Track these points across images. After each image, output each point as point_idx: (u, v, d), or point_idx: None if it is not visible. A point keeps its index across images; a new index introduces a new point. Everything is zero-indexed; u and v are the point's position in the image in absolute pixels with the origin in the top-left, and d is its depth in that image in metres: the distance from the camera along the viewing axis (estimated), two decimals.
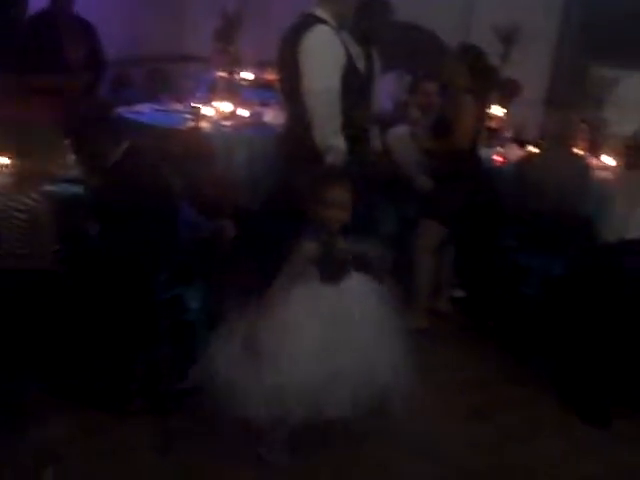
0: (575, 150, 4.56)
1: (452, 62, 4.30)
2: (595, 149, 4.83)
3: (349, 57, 3.66)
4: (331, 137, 3.57)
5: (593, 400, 3.55)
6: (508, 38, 6.06)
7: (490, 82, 4.32)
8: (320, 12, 3.62)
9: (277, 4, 6.24)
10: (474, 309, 4.61)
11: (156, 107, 5.34)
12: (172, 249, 3.22)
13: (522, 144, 5.12)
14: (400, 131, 4.64)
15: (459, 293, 4.76)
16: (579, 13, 6.06)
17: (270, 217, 3.84)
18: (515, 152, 4.98)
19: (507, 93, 4.41)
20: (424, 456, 3.11)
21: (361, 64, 3.87)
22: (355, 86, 3.70)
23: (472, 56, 4.26)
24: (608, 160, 4.75)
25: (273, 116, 5.08)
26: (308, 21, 3.60)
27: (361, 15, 3.86)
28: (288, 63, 3.64)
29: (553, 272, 4.02)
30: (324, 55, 3.55)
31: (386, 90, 5.27)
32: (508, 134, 5.38)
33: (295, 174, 3.60)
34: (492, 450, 3.23)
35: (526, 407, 3.61)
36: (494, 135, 5.12)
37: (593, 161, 4.78)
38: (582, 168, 4.38)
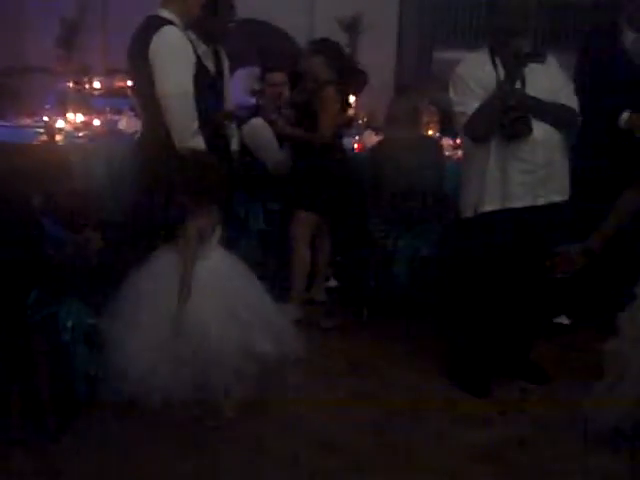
0: (426, 132, 4.73)
1: (311, 56, 4.36)
2: (448, 129, 5.01)
3: (197, 56, 3.65)
4: (190, 139, 3.55)
5: (473, 372, 3.67)
6: (352, 28, 6.22)
7: (348, 73, 4.41)
8: (165, 13, 3.57)
9: (116, 9, 6.14)
10: (348, 297, 4.70)
11: (2, 124, 5.13)
12: (40, 267, 3.12)
13: (377, 130, 5.26)
14: (253, 123, 4.66)
15: (333, 283, 4.85)
16: (417, 2, 6.30)
17: (136, 225, 3.78)
18: (372, 139, 5.11)
19: (358, 82, 4.54)
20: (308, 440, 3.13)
21: (210, 63, 3.87)
22: (206, 85, 3.69)
23: (330, 49, 4.36)
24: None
25: (127, 123, 4.98)
26: (155, 23, 3.55)
27: (205, 14, 3.85)
28: (139, 67, 3.58)
29: (420, 252, 4.18)
30: (175, 56, 3.51)
31: (242, 87, 5.29)
32: (362, 121, 5.52)
33: (156, 180, 3.56)
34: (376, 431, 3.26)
35: (411, 388, 3.67)
36: (350, 123, 5.23)
37: (448, 141, 4.97)
38: (433, 148, 4.56)
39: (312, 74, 4.36)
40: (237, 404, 3.18)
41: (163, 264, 3.13)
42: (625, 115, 3.91)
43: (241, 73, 5.39)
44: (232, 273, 3.17)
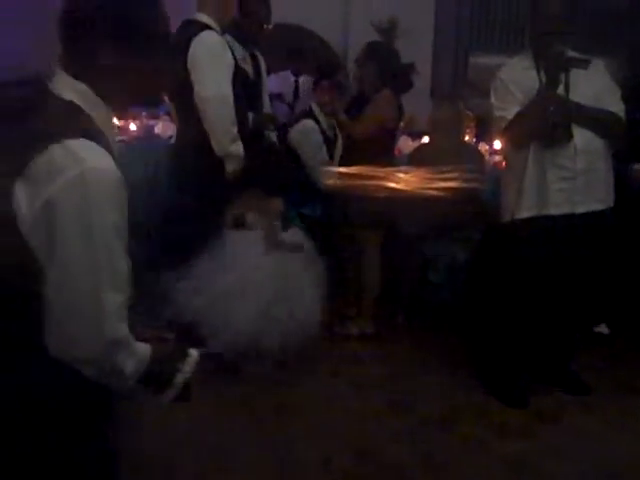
0: (465, 137, 4.69)
1: (362, 61, 4.33)
2: (484, 135, 4.97)
3: (236, 61, 3.64)
4: (230, 144, 3.54)
5: (510, 382, 3.61)
6: (387, 32, 6.19)
7: (403, 78, 4.38)
8: (203, 17, 3.58)
9: None
10: (385, 304, 4.63)
11: None
12: None
13: (413, 136, 5.22)
14: (305, 123, 4.61)
15: None
16: (453, 4, 6.25)
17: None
18: (408, 144, 5.08)
19: (401, 86, 4.51)
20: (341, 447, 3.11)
21: (248, 66, 3.86)
22: (245, 89, 3.69)
23: (382, 53, 4.34)
24: (498, 144, 4.89)
25: (163, 128, 5.00)
26: (193, 27, 3.55)
27: (242, 17, 3.85)
28: (177, 72, 3.58)
29: (458, 258, 4.13)
30: (214, 61, 3.50)
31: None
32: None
33: (194, 184, 3.56)
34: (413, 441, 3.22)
35: (446, 396, 3.62)
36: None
37: (484, 147, 4.92)
38: (473, 154, 4.51)
39: (363, 79, 4.34)
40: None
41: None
42: None
43: (274, 78, 5.38)
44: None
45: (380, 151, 4.16)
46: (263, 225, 3.75)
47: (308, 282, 3.67)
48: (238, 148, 3.56)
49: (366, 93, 4.37)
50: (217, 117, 3.51)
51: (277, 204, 3.83)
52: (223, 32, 3.65)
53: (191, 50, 3.48)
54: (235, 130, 3.53)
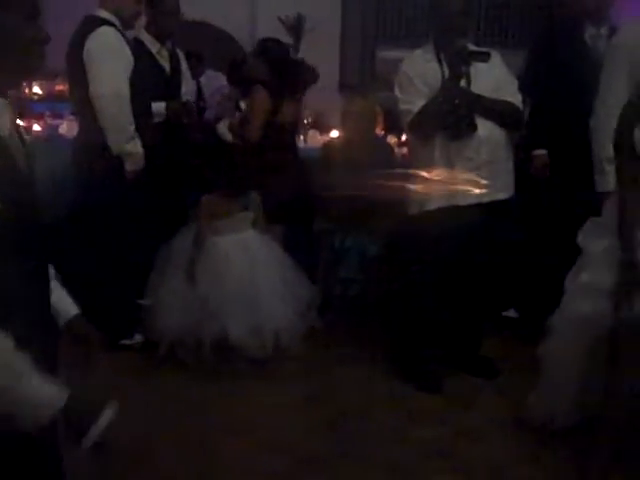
0: (374, 131, 4.74)
1: (251, 58, 4.33)
2: (393, 127, 5.04)
3: (150, 55, 3.63)
4: (126, 143, 3.50)
5: (424, 369, 3.69)
6: (294, 28, 6.21)
7: (295, 74, 4.37)
8: (103, 13, 3.53)
9: (57, 10, 6.02)
10: None
11: None
12: None
13: (322, 130, 5.26)
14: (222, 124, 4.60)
15: None
16: (359, 2, 6.32)
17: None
18: (316, 138, 5.10)
19: (307, 79, 4.51)
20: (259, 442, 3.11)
21: (165, 62, 3.85)
22: (160, 83, 3.67)
23: (272, 50, 4.32)
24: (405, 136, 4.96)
25: (68, 128, 4.89)
26: (91, 24, 3.50)
27: (154, 13, 3.83)
28: (75, 69, 3.53)
29: (369, 252, 4.18)
30: (109, 58, 3.47)
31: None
32: (307, 121, 5.50)
33: (96, 184, 3.53)
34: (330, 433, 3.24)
35: (362, 387, 3.65)
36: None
37: (393, 139, 4.99)
38: (383, 147, 4.57)
39: (249, 76, 4.33)
40: None
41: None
42: None
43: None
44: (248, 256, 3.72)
45: (280, 149, 4.20)
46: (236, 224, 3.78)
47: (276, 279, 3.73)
48: (136, 147, 3.52)
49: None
50: (111, 115, 3.47)
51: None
52: (126, 27, 3.61)
53: (86, 47, 3.44)
54: (132, 128, 3.49)
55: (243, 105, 4.82)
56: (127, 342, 3.85)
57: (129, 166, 3.57)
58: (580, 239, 2.94)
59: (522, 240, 4.07)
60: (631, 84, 3.34)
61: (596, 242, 2.87)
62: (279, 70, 4.22)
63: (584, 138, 3.66)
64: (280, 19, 6.27)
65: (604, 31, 4.00)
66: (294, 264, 3.81)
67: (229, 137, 4.44)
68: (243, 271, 3.68)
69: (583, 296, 2.85)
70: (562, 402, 2.99)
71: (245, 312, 3.60)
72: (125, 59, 3.53)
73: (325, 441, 3.16)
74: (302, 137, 5.12)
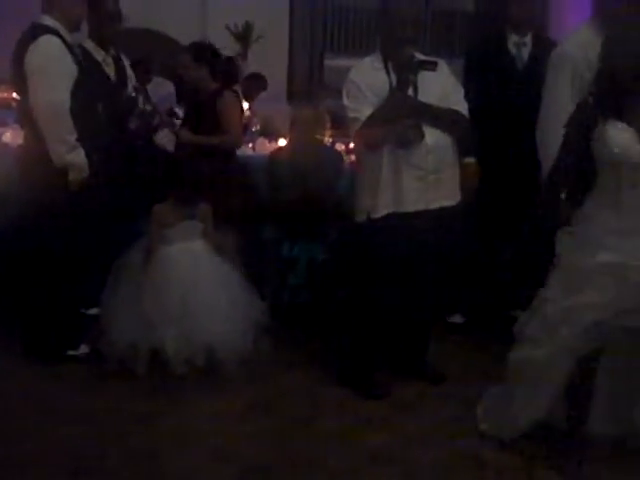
0: (323, 138, 4.77)
1: (188, 62, 4.29)
2: (341, 135, 5.06)
3: (95, 63, 3.60)
4: (67, 153, 3.46)
5: (370, 375, 3.69)
6: (243, 37, 6.22)
7: (232, 77, 4.37)
8: (47, 20, 3.49)
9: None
10: None
11: None
12: None
13: (271, 138, 5.26)
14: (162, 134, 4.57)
15: None
16: (307, 9, 6.36)
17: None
18: (265, 146, 5.11)
19: (253, 88, 4.51)
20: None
21: (109, 69, 3.82)
22: (105, 91, 3.64)
23: (209, 54, 4.31)
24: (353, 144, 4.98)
25: (12, 136, 4.79)
26: (35, 32, 3.46)
27: (97, 20, 3.80)
28: (18, 79, 3.48)
29: (316, 259, 4.20)
30: (48, 68, 3.43)
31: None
32: (255, 129, 5.52)
33: (41, 194, 3.49)
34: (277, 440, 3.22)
35: (309, 394, 3.64)
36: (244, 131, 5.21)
37: (341, 147, 5.02)
38: (331, 155, 4.59)
39: (201, 82, 4.30)
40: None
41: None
42: None
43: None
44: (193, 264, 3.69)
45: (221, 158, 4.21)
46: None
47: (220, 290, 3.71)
48: (78, 157, 3.49)
49: (201, 98, 4.34)
50: (51, 127, 3.44)
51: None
52: (72, 30, 3.59)
53: (27, 56, 3.39)
54: (73, 139, 3.46)
55: (180, 112, 4.81)
56: (73, 353, 3.79)
57: (72, 176, 3.54)
58: (558, 249, 2.96)
59: (467, 246, 4.13)
60: (575, 93, 3.45)
61: (572, 252, 2.90)
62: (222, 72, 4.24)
63: (512, 145, 3.77)
64: (228, 27, 6.28)
65: (527, 39, 4.15)
66: (242, 279, 3.78)
67: (170, 147, 4.41)
68: (185, 280, 3.65)
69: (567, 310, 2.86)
70: (530, 410, 3.02)
71: (180, 322, 3.57)
72: (66, 69, 3.49)
73: (274, 449, 3.14)
74: (250, 145, 5.11)
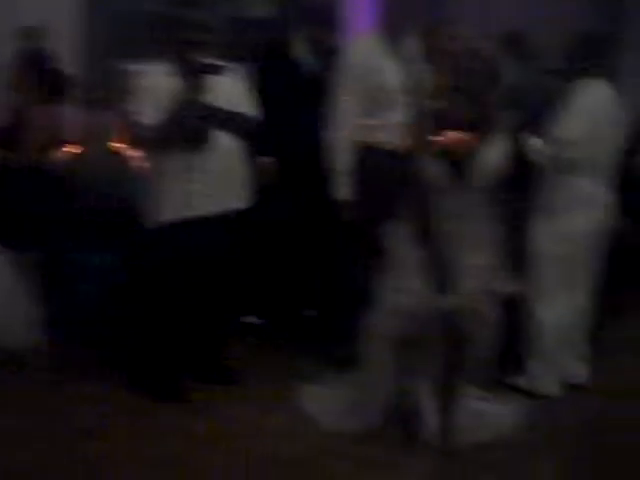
0: (115, 144, 4.68)
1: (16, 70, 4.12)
2: (131, 140, 4.96)
3: None
4: None
5: (162, 380, 3.66)
6: (34, 39, 5.99)
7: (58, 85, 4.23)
8: None
9: None
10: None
11: None
12: None
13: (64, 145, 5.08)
14: None
15: None
16: (98, 14, 6.26)
17: None
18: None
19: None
20: None
21: None
22: None
23: (41, 59, 4.16)
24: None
25: None
26: None
27: None
28: None
29: (106, 266, 4.13)
30: None
31: None
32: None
33: None
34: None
35: (96, 405, 3.53)
36: None
37: (131, 153, 4.92)
38: (121, 162, 4.51)
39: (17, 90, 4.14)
40: None
41: None
42: None
43: None
44: None
45: None
46: None
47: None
48: None
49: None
50: None
51: None
52: None
53: None
54: None
55: None
56: None
57: None
58: (386, 243, 3.13)
59: (258, 248, 4.20)
60: (359, 99, 3.63)
61: (401, 246, 3.10)
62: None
63: (302, 149, 3.93)
64: (19, 29, 6.03)
65: (318, 46, 4.25)
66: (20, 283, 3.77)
67: None
68: None
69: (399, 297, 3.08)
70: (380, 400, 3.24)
71: None
72: None
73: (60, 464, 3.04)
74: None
